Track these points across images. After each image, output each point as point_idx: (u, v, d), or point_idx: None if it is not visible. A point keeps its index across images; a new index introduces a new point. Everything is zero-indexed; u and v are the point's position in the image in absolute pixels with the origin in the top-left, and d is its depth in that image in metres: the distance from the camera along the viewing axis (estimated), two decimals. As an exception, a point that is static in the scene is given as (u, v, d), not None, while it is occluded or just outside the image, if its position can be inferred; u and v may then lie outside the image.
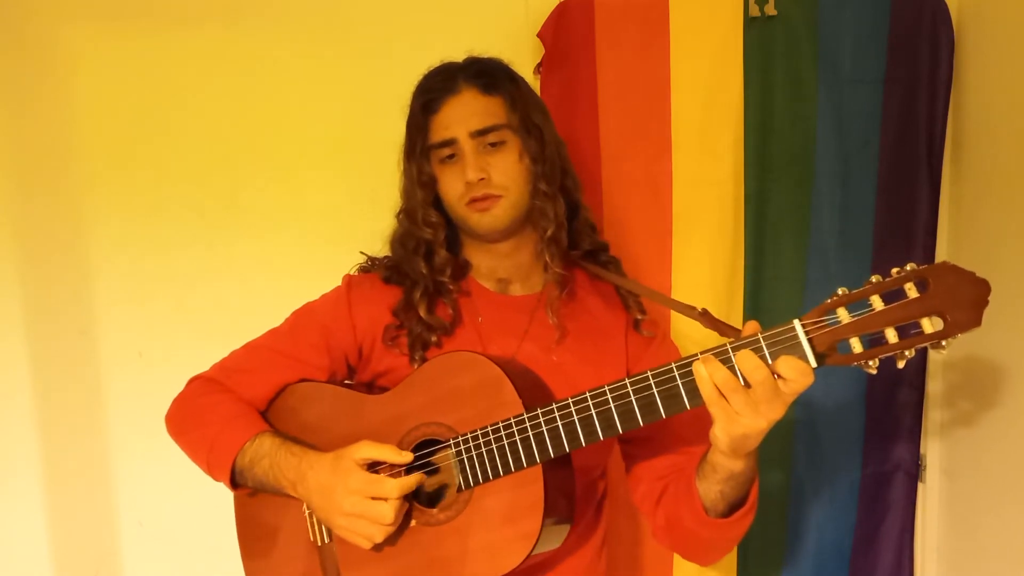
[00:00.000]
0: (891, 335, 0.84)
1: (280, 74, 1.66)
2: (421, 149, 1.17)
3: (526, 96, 1.19)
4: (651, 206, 1.60)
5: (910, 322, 0.83)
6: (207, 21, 1.63)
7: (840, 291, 0.86)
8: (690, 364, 0.91)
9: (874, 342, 0.85)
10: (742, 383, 0.88)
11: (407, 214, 1.21)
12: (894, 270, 0.84)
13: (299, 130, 1.67)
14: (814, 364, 0.87)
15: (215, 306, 1.66)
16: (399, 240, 1.22)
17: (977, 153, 1.57)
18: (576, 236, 1.22)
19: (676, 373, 0.93)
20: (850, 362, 0.86)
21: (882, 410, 1.65)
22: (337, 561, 1.09)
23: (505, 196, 1.13)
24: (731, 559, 1.67)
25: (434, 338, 1.14)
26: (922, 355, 1.63)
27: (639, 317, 1.21)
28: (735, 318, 1.60)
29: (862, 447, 1.66)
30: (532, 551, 0.98)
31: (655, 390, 0.94)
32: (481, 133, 1.13)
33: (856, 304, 0.86)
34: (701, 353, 0.91)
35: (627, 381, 0.95)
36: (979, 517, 1.57)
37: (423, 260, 1.17)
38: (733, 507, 1.02)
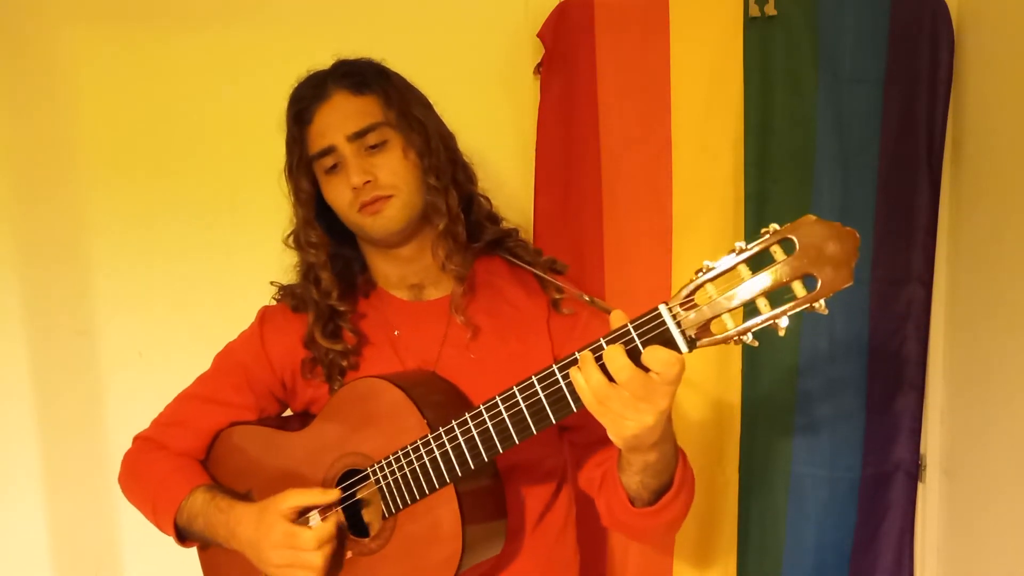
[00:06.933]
0: (763, 305, 0.78)
1: (280, 77, 1.64)
2: (300, 163, 1.13)
3: (402, 90, 1.13)
4: (651, 206, 1.60)
5: (781, 287, 0.77)
6: (208, 23, 1.63)
7: (704, 265, 0.79)
8: (572, 364, 0.87)
9: (750, 313, 0.79)
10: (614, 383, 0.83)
11: (293, 237, 1.17)
12: (763, 231, 0.77)
13: (299, 130, 1.67)
14: (685, 349, 0.81)
15: (215, 307, 1.66)
16: (296, 266, 1.19)
17: (977, 153, 1.57)
18: (475, 228, 1.18)
19: (559, 375, 0.88)
20: (726, 341, 0.80)
21: (882, 410, 1.65)
22: None
23: (396, 195, 1.09)
24: (731, 559, 1.67)
25: (345, 362, 1.11)
26: (922, 354, 1.64)
27: (556, 296, 1.16)
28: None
29: (862, 447, 1.66)
30: (458, 572, 0.98)
31: (542, 395, 0.90)
32: (359, 135, 1.08)
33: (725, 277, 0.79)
34: (579, 352, 0.86)
35: (515, 389, 0.91)
36: (979, 517, 1.57)
37: (312, 285, 1.14)
38: (659, 493, 0.98)
